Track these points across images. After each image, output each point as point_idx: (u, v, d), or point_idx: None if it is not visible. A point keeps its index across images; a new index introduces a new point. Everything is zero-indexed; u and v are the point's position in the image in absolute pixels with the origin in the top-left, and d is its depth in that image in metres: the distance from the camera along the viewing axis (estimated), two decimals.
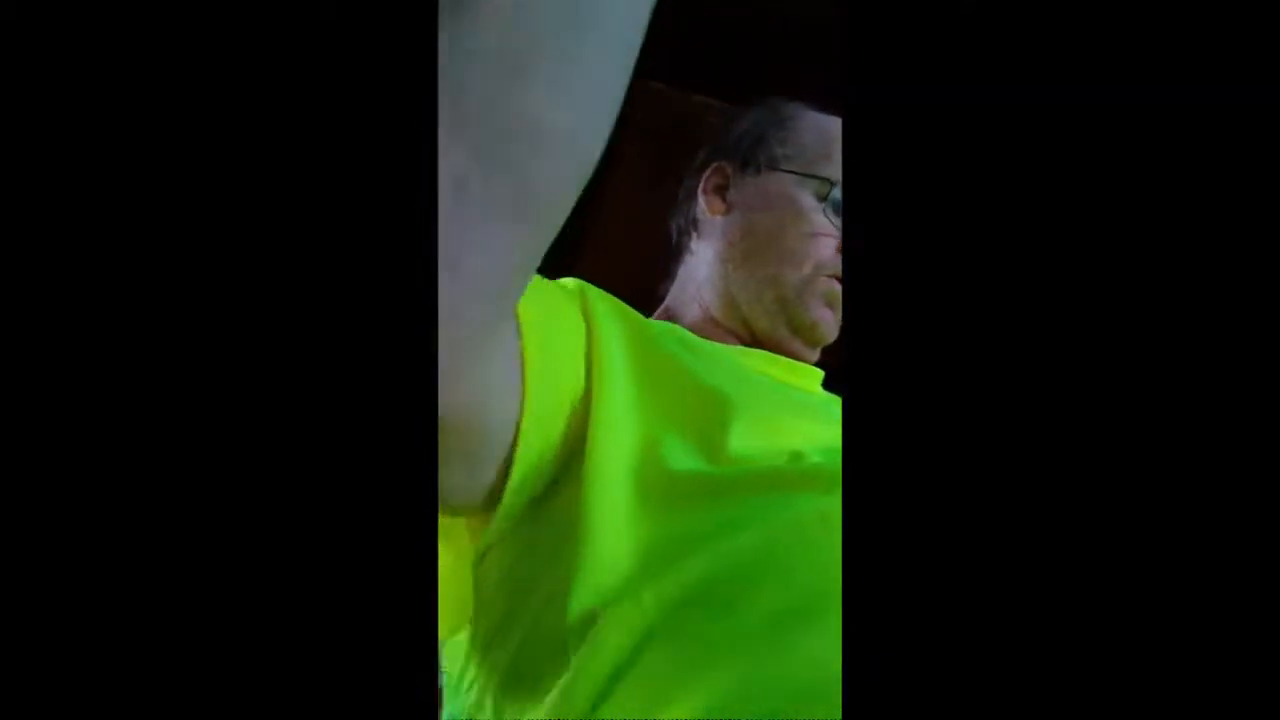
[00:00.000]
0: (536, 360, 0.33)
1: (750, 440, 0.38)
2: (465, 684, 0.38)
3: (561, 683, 0.31)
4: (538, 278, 0.34)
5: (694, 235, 0.65)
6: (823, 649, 0.29)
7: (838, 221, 0.58)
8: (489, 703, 0.36)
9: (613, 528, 0.34)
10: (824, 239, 0.57)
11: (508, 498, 0.34)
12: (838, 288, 0.56)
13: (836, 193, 0.58)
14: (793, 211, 0.59)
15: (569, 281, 0.44)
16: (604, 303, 0.41)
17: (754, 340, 0.58)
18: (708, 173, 0.66)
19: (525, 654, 0.35)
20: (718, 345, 0.52)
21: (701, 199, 0.65)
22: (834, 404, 0.52)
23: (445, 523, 0.37)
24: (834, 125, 0.64)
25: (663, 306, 0.66)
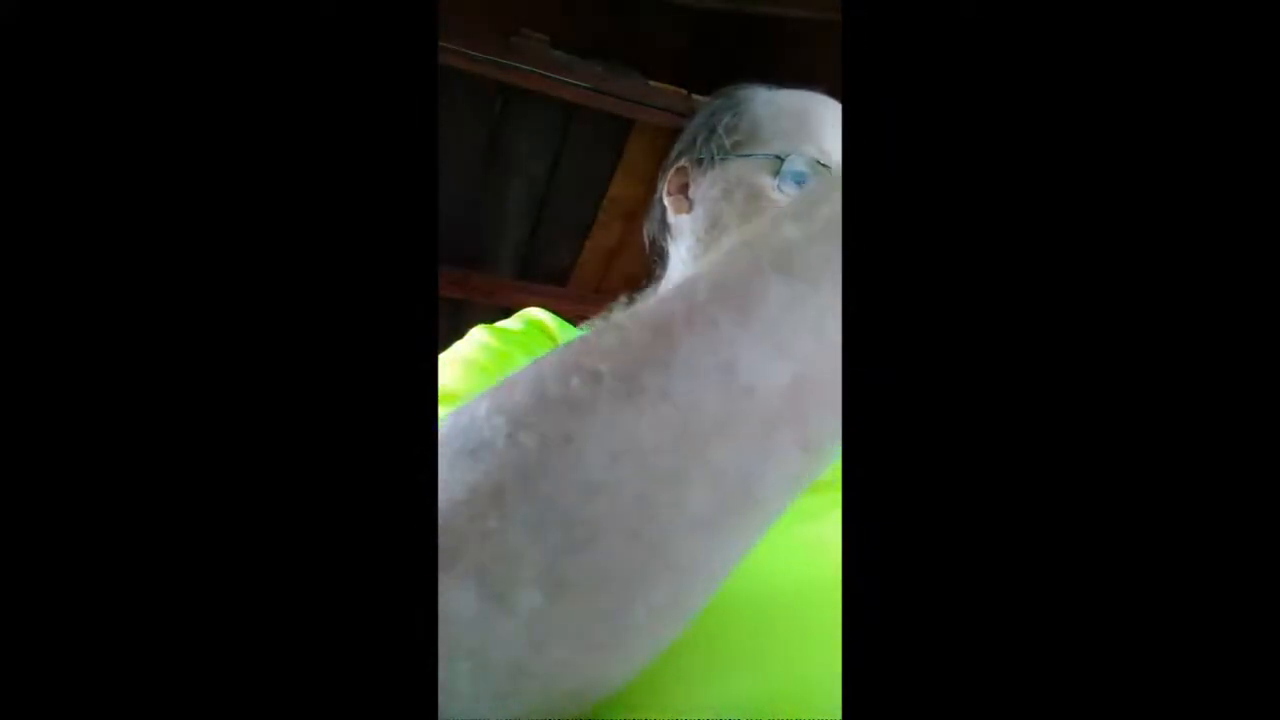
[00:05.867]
0: None
1: None
2: None
3: None
4: None
5: (668, 239, 0.66)
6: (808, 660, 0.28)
7: (796, 193, 0.57)
8: None
9: None
10: None
11: None
12: None
13: (791, 164, 0.58)
14: (749, 193, 0.59)
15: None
16: None
17: None
18: (669, 175, 0.67)
19: None
20: None
21: (667, 201, 0.66)
22: None
23: None
24: (786, 99, 0.65)
25: None
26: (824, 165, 0.58)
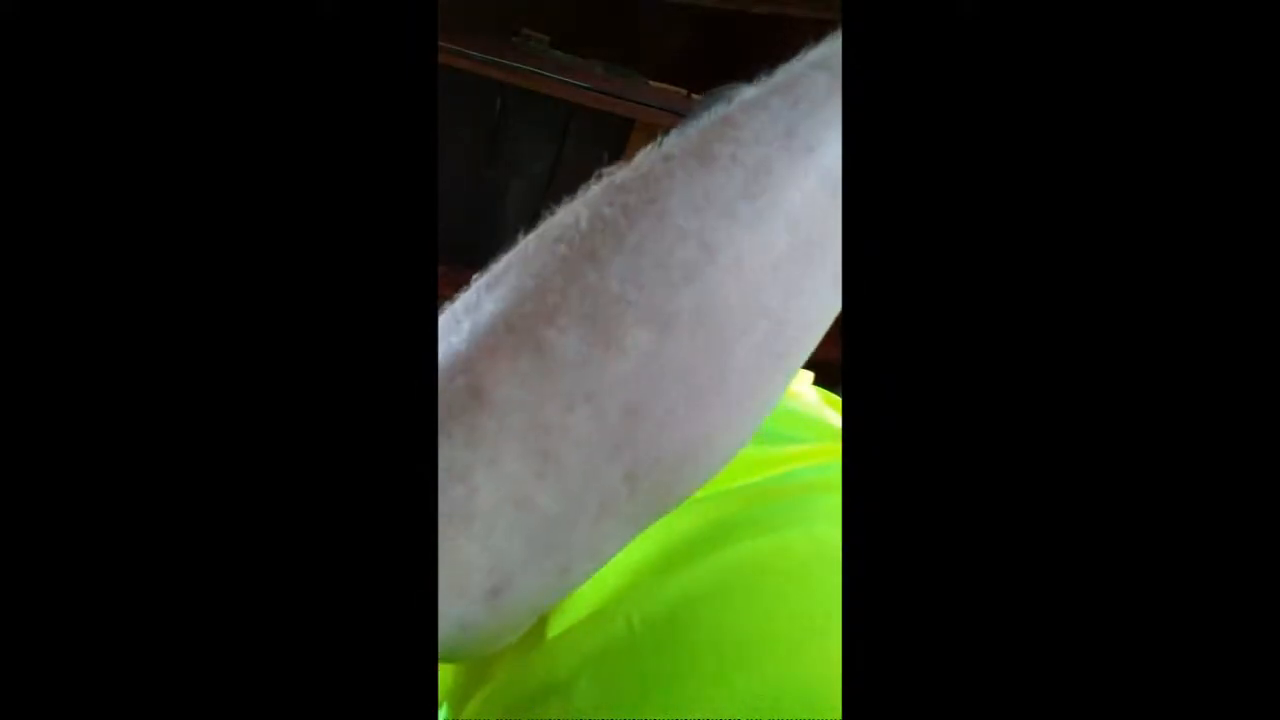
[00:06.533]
0: None
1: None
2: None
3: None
4: None
5: None
6: (809, 675, 0.28)
7: None
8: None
9: None
10: None
11: None
12: None
13: None
14: None
15: None
16: None
17: None
18: None
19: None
20: None
21: None
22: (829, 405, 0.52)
23: None
24: None
25: None
26: None
